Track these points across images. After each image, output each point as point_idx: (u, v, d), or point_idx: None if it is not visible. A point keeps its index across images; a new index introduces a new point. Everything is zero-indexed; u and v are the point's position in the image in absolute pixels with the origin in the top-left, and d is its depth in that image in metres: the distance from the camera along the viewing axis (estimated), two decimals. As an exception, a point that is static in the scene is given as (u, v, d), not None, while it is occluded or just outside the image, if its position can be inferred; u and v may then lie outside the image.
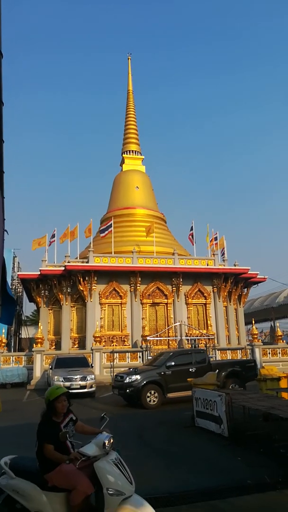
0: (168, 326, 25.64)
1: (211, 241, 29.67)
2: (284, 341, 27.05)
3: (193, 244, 29.96)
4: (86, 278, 25.30)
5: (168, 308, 26.62)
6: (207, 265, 27.55)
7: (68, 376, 15.68)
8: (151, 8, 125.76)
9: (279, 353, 24.32)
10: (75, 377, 15.74)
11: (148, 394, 12.87)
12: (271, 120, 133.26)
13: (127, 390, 12.89)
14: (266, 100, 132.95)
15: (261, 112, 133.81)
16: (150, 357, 21.44)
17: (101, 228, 28.83)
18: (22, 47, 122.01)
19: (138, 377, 13.05)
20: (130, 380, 13.02)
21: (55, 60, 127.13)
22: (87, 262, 25.64)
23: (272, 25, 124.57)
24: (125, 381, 13.11)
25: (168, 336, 25.10)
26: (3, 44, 4.18)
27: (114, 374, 17.24)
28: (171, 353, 14.60)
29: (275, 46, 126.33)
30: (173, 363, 13.60)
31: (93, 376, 16.21)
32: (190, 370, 13.51)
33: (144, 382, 12.91)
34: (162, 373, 13.31)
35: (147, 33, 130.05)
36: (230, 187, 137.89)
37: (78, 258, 27.15)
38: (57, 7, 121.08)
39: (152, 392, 12.92)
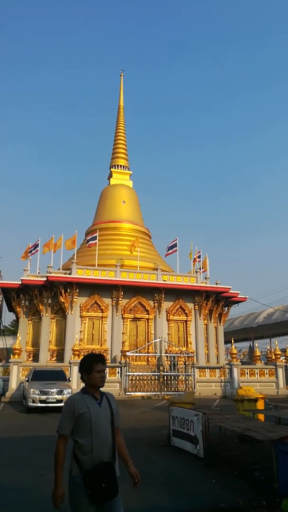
0: (148, 342, 25.52)
1: (194, 259, 29.88)
2: (263, 361, 27.22)
3: (166, 256, 30.17)
4: (68, 290, 25.08)
5: (149, 323, 26.54)
6: (190, 282, 27.69)
7: (45, 389, 15.39)
8: (149, 26, 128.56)
9: (257, 373, 24.42)
10: (52, 390, 15.46)
11: None
12: (264, 151, 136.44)
13: None
14: (256, 131, 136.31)
15: (256, 142, 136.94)
16: (129, 373, 21.36)
17: (87, 238, 28.83)
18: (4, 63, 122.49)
19: None
20: None
21: (43, 76, 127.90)
22: (70, 273, 25.46)
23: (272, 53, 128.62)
24: None
25: (148, 352, 24.97)
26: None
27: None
28: None
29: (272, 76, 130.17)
30: None
31: (70, 390, 15.94)
32: None
33: None
34: None
35: (144, 52, 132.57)
36: (217, 209, 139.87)
37: (60, 269, 26.94)
38: (46, 25, 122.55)
39: None
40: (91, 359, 3.24)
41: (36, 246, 27.29)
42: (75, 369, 20.98)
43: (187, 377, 22.64)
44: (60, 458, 3.05)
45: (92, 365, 3.20)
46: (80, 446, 3.02)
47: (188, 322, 27.31)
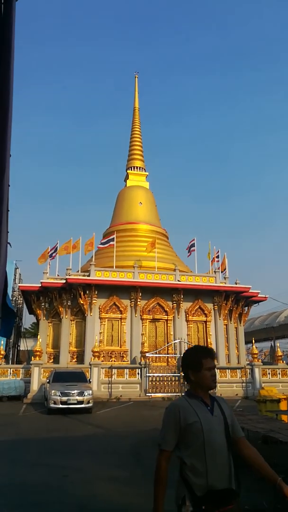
0: (167, 343, 25.45)
1: (213, 258, 29.67)
2: (284, 361, 26.81)
3: (188, 256, 30.03)
4: (87, 292, 25.25)
5: (168, 324, 26.47)
6: (208, 282, 27.50)
7: (66, 391, 15.51)
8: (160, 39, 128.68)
9: (279, 373, 24.06)
10: (73, 392, 15.56)
11: None
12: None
13: None
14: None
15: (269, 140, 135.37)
16: (149, 374, 21.34)
17: (103, 241, 28.99)
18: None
19: None
20: None
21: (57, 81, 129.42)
22: (88, 275, 25.63)
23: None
24: None
25: (167, 353, 24.89)
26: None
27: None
28: None
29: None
30: None
31: (90, 391, 16.02)
32: None
33: None
34: None
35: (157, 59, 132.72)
36: (234, 208, 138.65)
37: (79, 271, 27.15)
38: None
39: None
40: (200, 353, 2.55)
41: (55, 249, 27.58)
42: (95, 370, 21.08)
43: (207, 378, 22.44)
44: (163, 479, 2.40)
45: (202, 360, 2.51)
46: (191, 468, 2.36)
47: (207, 323, 27.13)
